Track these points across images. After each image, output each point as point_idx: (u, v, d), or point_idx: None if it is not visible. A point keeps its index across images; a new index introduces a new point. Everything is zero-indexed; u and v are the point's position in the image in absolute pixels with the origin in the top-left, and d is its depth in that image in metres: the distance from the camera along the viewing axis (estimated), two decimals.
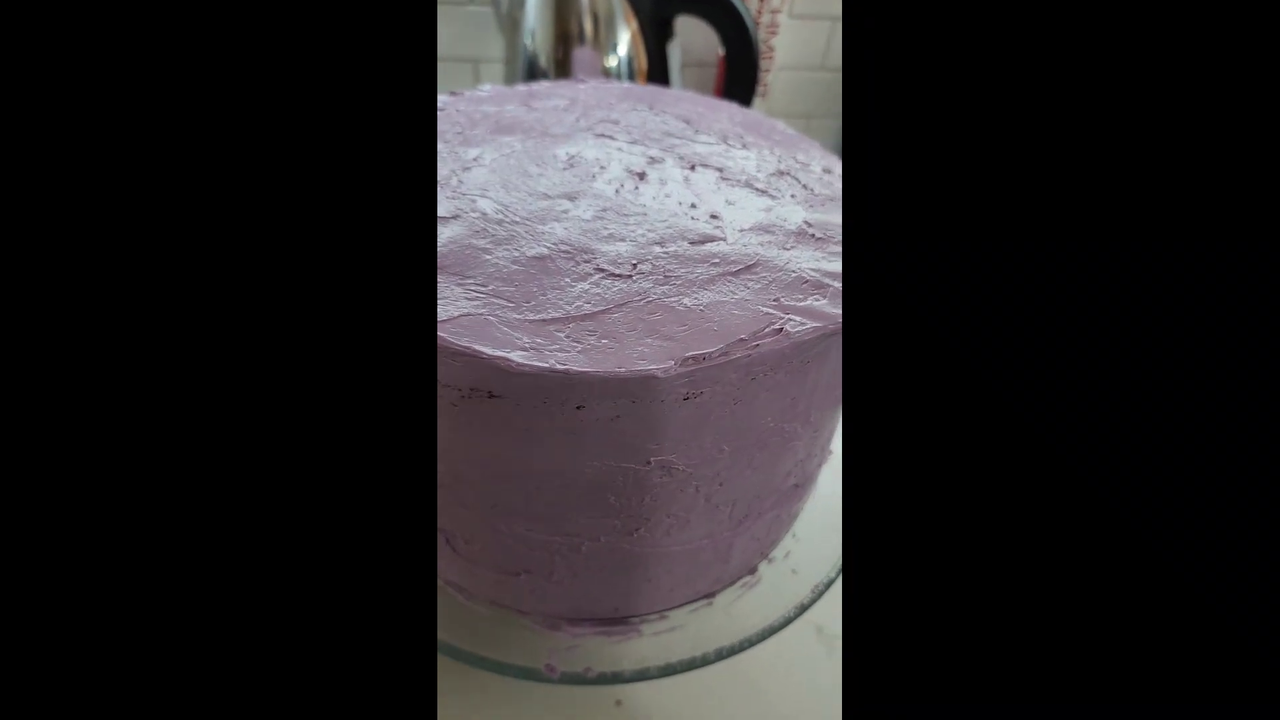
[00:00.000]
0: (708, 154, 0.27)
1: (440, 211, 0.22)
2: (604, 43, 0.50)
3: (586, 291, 0.20)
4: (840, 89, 0.70)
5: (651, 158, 0.26)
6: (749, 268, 0.21)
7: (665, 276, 0.20)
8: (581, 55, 0.49)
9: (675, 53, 0.53)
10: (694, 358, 0.18)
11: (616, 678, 0.24)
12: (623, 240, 0.22)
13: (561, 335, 0.18)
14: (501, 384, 0.18)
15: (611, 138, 0.28)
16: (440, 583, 0.27)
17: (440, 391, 0.19)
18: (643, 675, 0.24)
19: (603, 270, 0.20)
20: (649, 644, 0.26)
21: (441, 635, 0.25)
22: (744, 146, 0.28)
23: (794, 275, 0.21)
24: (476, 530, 0.23)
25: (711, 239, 0.22)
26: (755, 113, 0.32)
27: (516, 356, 0.17)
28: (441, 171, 0.24)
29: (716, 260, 0.21)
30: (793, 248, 0.22)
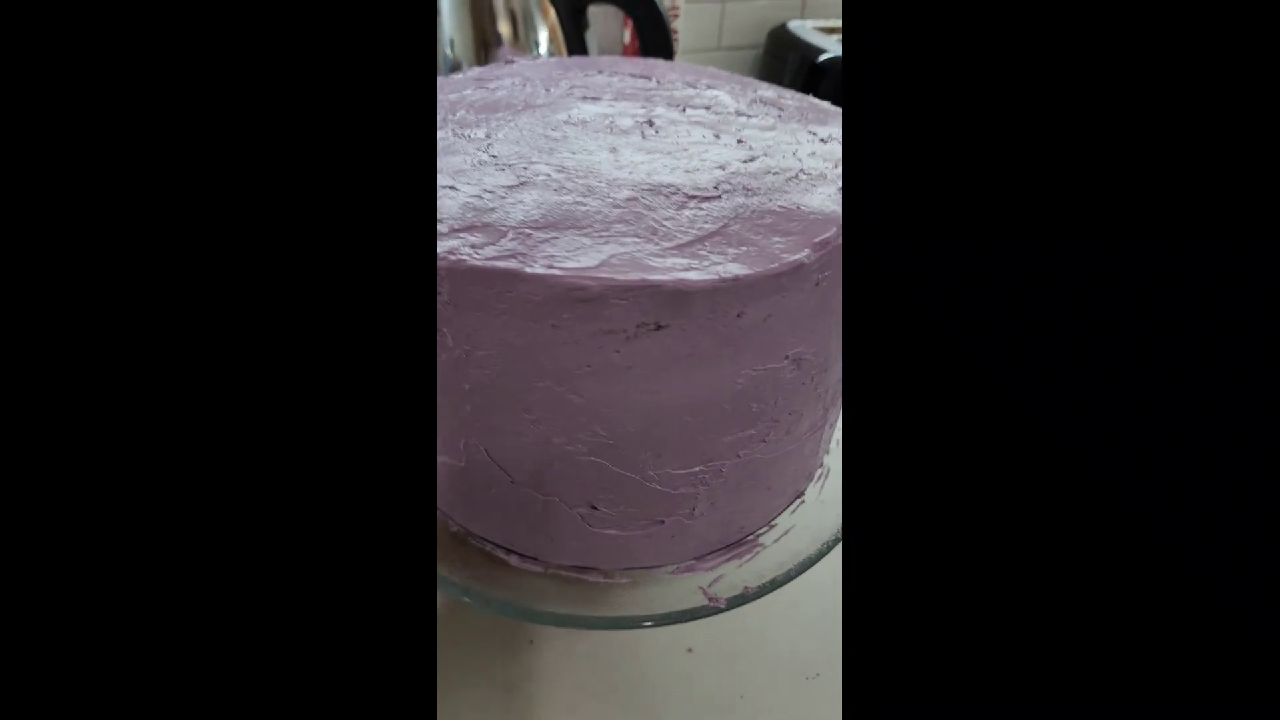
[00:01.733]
0: (686, 97, 0.29)
1: (505, 181, 0.21)
2: (525, 41, 0.49)
3: (694, 216, 0.20)
4: (738, 66, 0.78)
5: (645, 107, 0.28)
6: (799, 173, 0.23)
7: (746, 190, 0.22)
8: (504, 56, 0.48)
9: (593, 41, 0.54)
10: (820, 243, 0.20)
11: (773, 585, 0.26)
12: (688, 171, 0.23)
13: (704, 252, 0.19)
14: (670, 310, 0.18)
15: (596, 99, 0.28)
16: (572, 574, 0.26)
17: (601, 342, 0.19)
18: (790, 576, 0.26)
19: (693, 197, 0.21)
20: (775, 552, 0.27)
21: (597, 613, 0.24)
22: (709, 87, 0.30)
23: (833, 170, 0.24)
24: (626, 489, 0.23)
25: (754, 157, 0.24)
26: (686, 63, 0.35)
27: (690, 275, 0.18)
28: (470, 150, 0.23)
29: (774, 171, 0.23)
30: (813, 153, 0.25)
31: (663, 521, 0.24)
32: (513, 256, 0.18)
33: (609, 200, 0.21)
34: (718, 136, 0.25)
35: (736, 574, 0.26)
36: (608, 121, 0.26)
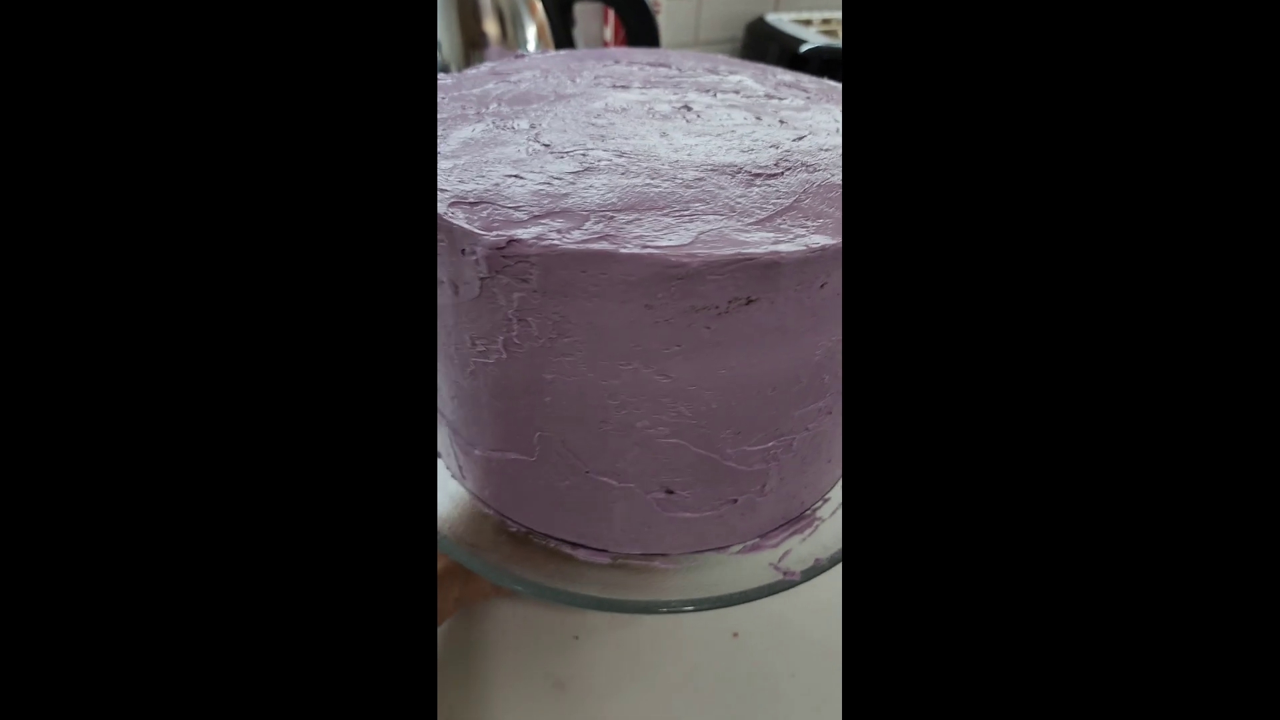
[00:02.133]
0: (713, 83, 0.29)
1: (569, 168, 0.21)
2: (513, 40, 0.49)
3: (765, 192, 0.21)
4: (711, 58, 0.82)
5: (677, 93, 0.28)
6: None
7: (807, 167, 0.22)
8: (492, 56, 0.48)
9: (580, 39, 0.55)
10: None
11: (838, 558, 0.26)
12: (745, 151, 0.23)
13: (787, 225, 0.19)
14: (761, 283, 0.19)
15: (625, 87, 0.28)
16: (641, 562, 0.26)
17: (692, 319, 0.19)
18: None
19: (758, 174, 0.21)
20: (833, 524, 0.28)
21: (677, 597, 0.24)
22: (731, 73, 0.31)
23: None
24: (703, 470, 0.23)
25: (803, 136, 0.24)
26: (698, 52, 0.35)
27: (782, 248, 0.18)
28: (521, 140, 0.23)
29: (826, 149, 0.24)
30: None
31: (735, 500, 0.24)
32: (603, 238, 0.18)
33: (677, 181, 0.21)
34: (759, 118, 0.26)
35: (802, 548, 0.26)
36: (646, 108, 0.26)
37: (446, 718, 0.31)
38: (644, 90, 0.28)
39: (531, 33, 0.51)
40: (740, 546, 0.27)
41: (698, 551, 0.26)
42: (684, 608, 0.25)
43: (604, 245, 0.18)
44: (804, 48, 0.71)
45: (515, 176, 0.21)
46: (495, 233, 0.18)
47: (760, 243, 0.18)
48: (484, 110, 0.26)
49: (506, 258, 0.18)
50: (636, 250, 0.18)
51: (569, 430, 0.22)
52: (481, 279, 0.19)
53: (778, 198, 0.20)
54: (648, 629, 0.36)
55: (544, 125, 0.24)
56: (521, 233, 0.18)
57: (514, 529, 0.27)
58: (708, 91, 0.28)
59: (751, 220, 0.19)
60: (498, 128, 0.24)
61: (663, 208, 0.20)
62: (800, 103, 0.28)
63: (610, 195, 0.20)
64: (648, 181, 0.21)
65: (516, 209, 0.19)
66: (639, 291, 0.18)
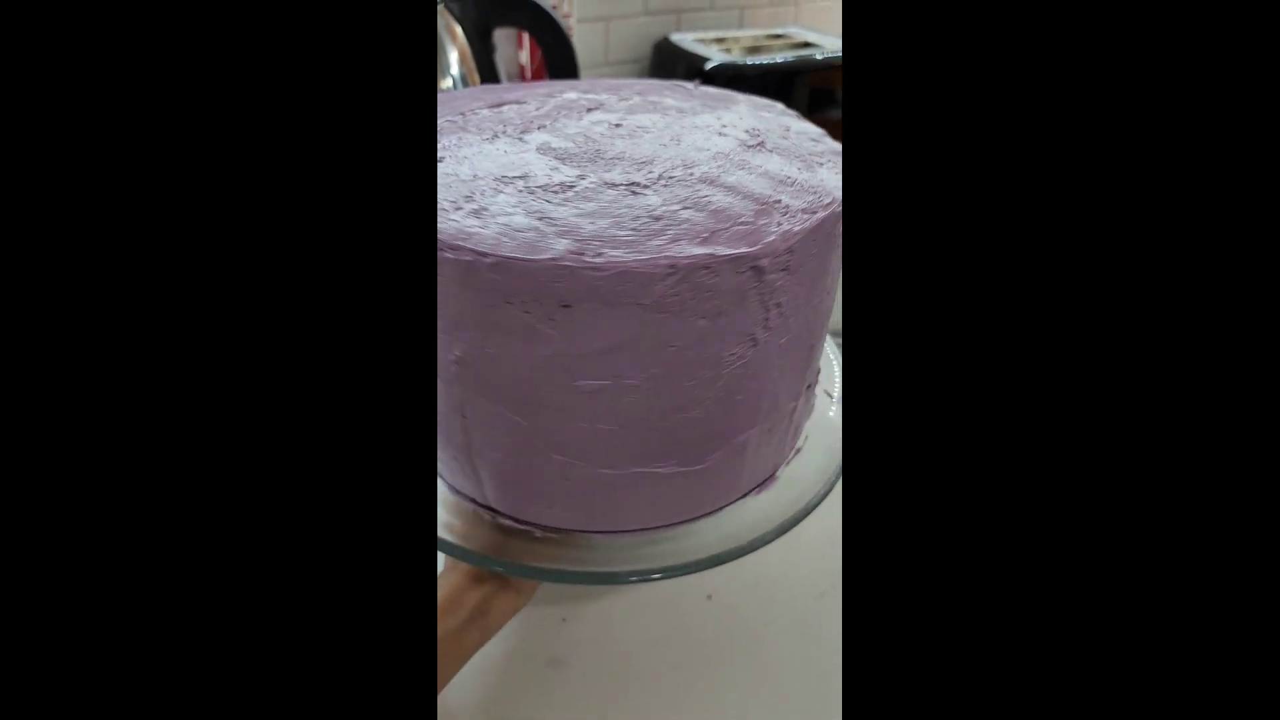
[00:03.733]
0: (598, 101, 0.32)
1: (684, 191, 0.23)
2: (438, 67, 0.49)
3: (783, 157, 0.26)
4: (622, 79, 0.72)
5: (589, 116, 0.29)
6: (769, 127, 0.30)
7: (765, 138, 0.28)
8: None
9: (501, 64, 0.56)
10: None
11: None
12: (720, 136, 0.28)
13: (825, 164, 0.26)
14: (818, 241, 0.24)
15: (545, 126, 0.29)
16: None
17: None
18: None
19: (757, 147, 0.27)
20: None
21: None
22: (588, 91, 0.33)
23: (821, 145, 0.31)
24: (780, 400, 0.27)
25: (724, 122, 0.30)
26: (532, 81, 0.34)
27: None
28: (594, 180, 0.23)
29: (750, 130, 0.29)
30: (788, 136, 0.32)
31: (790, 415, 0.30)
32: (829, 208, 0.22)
33: (747, 162, 0.25)
34: (677, 115, 0.30)
35: (817, 435, 0.33)
36: (598, 129, 0.28)
37: (450, 702, 0.30)
38: (564, 120, 0.29)
39: (454, 57, 0.52)
40: (789, 458, 0.32)
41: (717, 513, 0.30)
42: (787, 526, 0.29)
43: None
44: (709, 65, 0.74)
45: (691, 206, 0.21)
46: (765, 240, 0.19)
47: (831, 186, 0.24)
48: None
49: (779, 255, 0.20)
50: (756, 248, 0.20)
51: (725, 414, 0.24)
52: (746, 291, 0.20)
53: (796, 158, 0.26)
54: (627, 604, 0.37)
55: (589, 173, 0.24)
56: (785, 228, 0.20)
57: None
58: (599, 109, 0.30)
59: (809, 175, 0.25)
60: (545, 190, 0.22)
61: (779, 181, 0.24)
62: (681, 102, 0.32)
63: (756, 185, 0.23)
64: (737, 171, 0.24)
65: (738, 222, 0.20)
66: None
